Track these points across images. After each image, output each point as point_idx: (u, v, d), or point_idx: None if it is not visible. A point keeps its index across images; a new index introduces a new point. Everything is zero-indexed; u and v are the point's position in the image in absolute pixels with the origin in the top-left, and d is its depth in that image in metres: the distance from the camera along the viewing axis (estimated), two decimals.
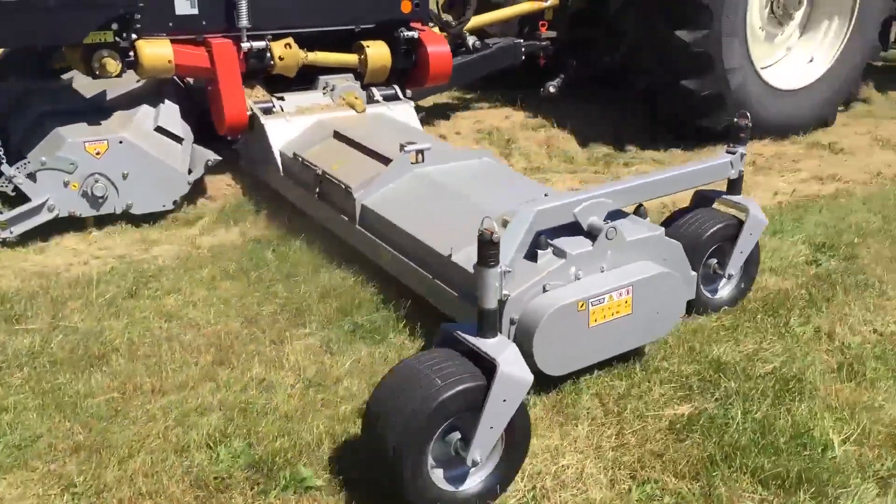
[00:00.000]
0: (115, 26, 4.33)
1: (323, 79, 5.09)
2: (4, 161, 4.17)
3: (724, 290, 3.59)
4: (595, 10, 6.17)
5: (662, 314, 3.04)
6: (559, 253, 2.86)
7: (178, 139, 4.67)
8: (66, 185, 4.28)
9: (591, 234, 2.91)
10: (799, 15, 6.10)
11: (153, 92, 4.82)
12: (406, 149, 3.89)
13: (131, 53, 4.44)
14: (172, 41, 4.52)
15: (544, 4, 6.24)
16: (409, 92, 5.29)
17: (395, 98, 5.16)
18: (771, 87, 5.89)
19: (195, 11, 4.55)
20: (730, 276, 3.55)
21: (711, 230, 3.43)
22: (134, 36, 4.42)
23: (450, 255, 3.18)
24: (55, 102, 4.66)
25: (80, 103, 4.69)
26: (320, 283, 3.82)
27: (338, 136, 4.50)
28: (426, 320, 3.42)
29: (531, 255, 2.85)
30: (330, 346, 3.33)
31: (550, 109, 6.53)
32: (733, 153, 3.47)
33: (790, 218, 4.60)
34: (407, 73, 5.34)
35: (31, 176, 4.21)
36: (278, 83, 5.01)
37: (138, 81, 4.87)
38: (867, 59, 6.35)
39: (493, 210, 2.72)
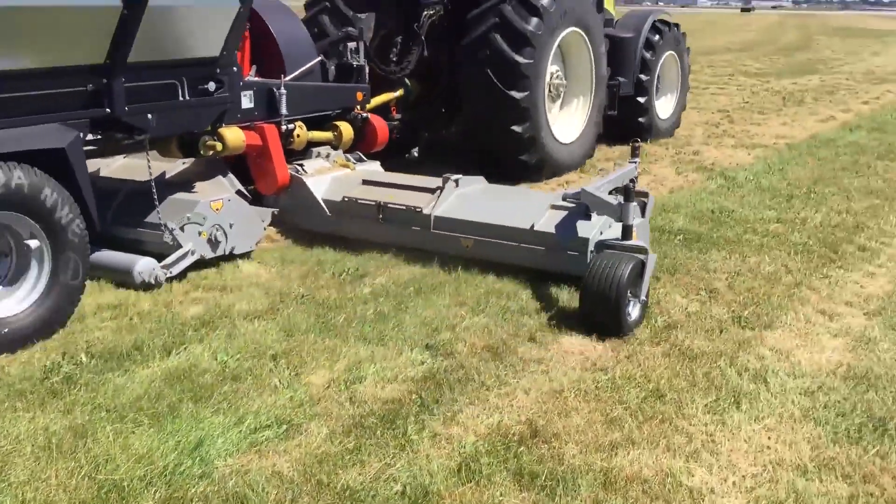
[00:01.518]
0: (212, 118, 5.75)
1: (315, 150, 6.75)
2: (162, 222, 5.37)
3: None
4: (427, 99, 8.65)
5: (644, 241, 5.12)
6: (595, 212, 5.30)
7: (248, 198, 5.98)
8: (199, 234, 5.48)
9: None
10: (562, 96, 8.88)
11: (206, 167, 6.05)
12: (451, 178, 5.93)
13: (215, 137, 5.73)
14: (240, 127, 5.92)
15: (395, 95, 8.18)
16: None
17: (362, 160, 6.96)
18: (556, 139, 8.47)
19: (252, 105, 6.05)
20: None
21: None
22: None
23: (532, 226, 5.36)
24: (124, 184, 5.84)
25: (151, 181, 5.46)
26: None
27: (367, 182, 6.32)
28: None
29: (586, 214, 5.30)
30: None
31: (421, 166, 8.16)
32: (635, 162, 6.06)
33: (393, 322, 4.77)
34: (356, 143, 7.08)
35: (182, 229, 5.38)
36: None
37: (185, 163, 6.12)
38: (599, 129, 9.32)
39: (533, 202, 5.73)
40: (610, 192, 5.39)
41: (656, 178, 8.67)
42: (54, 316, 4.48)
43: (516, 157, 8.04)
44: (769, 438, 3.55)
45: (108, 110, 4.90)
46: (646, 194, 5.76)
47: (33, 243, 4.40)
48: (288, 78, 6.39)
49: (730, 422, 3.69)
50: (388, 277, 5.49)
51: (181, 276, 5.39)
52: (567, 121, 8.90)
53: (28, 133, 4.45)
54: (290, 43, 6.77)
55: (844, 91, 17.11)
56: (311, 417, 3.66)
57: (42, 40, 4.42)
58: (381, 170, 6.90)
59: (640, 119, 10.42)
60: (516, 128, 7.89)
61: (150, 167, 5.37)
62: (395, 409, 3.74)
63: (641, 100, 10.32)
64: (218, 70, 5.60)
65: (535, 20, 7.85)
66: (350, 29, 7.45)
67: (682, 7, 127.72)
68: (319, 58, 7.02)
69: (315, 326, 4.63)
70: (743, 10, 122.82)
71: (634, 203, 4.86)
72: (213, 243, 5.58)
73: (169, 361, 4.19)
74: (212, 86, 5.57)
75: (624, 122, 10.07)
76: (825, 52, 30.69)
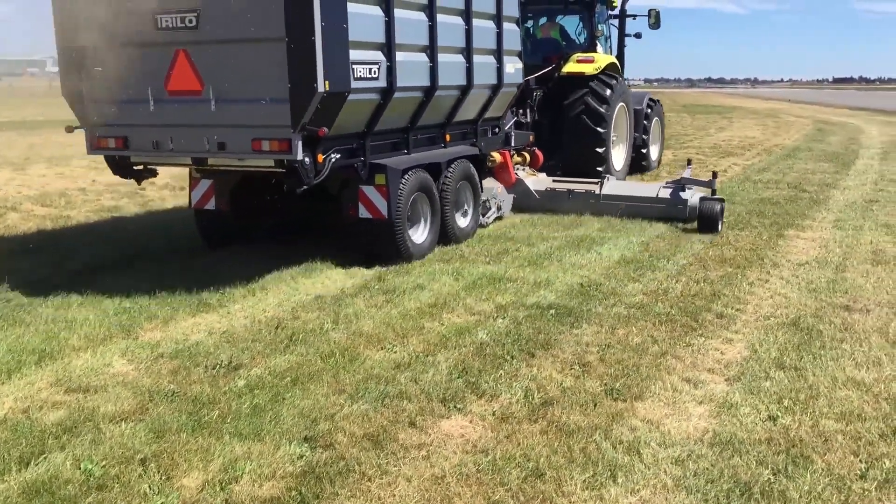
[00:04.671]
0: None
1: (516, 165, 11.75)
2: (481, 192, 10.24)
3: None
4: (537, 141, 12.69)
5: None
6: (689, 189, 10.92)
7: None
8: (494, 203, 10.58)
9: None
10: (613, 143, 13.93)
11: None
12: (605, 176, 11.59)
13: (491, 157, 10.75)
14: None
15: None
16: None
17: (537, 172, 12.16)
18: (614, 165, 13.97)
19: (501, 143, 10.96)
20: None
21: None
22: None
23: (657, 195, 10.90)
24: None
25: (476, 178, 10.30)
26: None
27: (556, 181, 11.75)
28: None
29: (683, 189, 10.86)
30: None
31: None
32: (690, 167, 11.32)
33: (267, 413, 4.65)
34: (530, 163, 12.20)
35: (491, 200, 10.55)
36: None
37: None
38: (629, 164, 15.33)
39: (650, 185, 12.29)
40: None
41: (523, 255, 8.91)
42: (475, 229, 9.90)
43: (595, 168, 13.04)
44: None
45: (474, 140, 10.13)
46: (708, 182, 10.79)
47: (468, 196, 9.76)
48: (507, 126, 11.28)
49: (607, 496, 3.77)
50: (263, 368, 5.36)
51: (46, 372, 5.10)
52: (616, 157, 14.40)
53: (463, 149, 9.69)
54: None
55: (695, 165, 18.24)
56: None
57: (465, 110, 9.59)
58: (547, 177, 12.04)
59: (643, 161, 16.21)
60: (599, 149, 13.32)
61: (475, 172, 9.93)
62: None
63: (644, 149, 16.14)
64: (499, 122, 10.86)
65: (608, 90, 13.51)
66: None
67: None
68: (514, 118, 12.20)
69: (187, 425, 4.46)
70: None
71: (718, 178, 10.78)
72: (499, 209, 10.68)
73: (27, 474, 3.92)
74: (497, 130, 10.79)
75: (635, 160, 15.79)
76: (676, 127, 32.78)
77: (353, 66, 7.21)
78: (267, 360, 5.51)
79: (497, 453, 4.17)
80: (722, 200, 10.27)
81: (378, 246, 8.28)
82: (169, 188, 13.76)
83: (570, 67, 13.59)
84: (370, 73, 7.51)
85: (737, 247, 9.18)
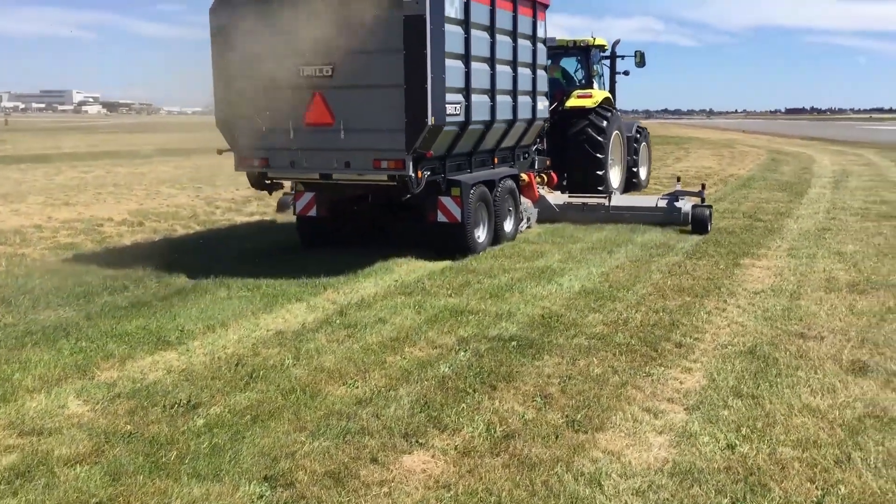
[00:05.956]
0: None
1: (538, 184, 13.90)
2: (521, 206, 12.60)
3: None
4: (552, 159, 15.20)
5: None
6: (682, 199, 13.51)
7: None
8: (525, 214, 12.71)
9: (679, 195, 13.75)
10: (611, 164, 16.62)
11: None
12: (611, 191, 15.70)
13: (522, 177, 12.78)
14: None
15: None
16: None
17: (553, 190, 14.57)
18: (612, 183, 16.61)
19: (528, 166, 13.48)
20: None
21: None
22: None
23: (656, 204, 13.57)
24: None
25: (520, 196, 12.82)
26: None
27: (571, 196, 14.44)
28: None
29: (678, 199, 13.39)
30: None
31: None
32: (678, 182, 14.34)
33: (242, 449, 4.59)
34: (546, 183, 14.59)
35: (524, 212, 12.66)
36: None
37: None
38: (623, 183, 18.15)
39: (650, 197, 14.79)
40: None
41: (484, 287, 8.94)
42: (516, 234, 12.17)
43: (596, 188, 15.52)
44: None
45: (512, 163, 12.58)
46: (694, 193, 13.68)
47: (511, 207, 12.03)
48: (533, 152, 13.80)
49: None
50: (223, 406, 5.30)
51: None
52: (613, 176, 16.94)
53: (506, 170, 12.15)
54: None
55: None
56: None
57: (509, 139, 12.24)
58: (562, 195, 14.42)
59: (634, 179, 18.52)
60: (598, 172, 15.91)
61: (516, 189, 12.29)
62: None
63: (635, 168, 18.51)
64: (529, 149, 13.43)
65: (605, 122, 16.14)
66: None
67: None
68: (537, 144, 14.13)
69: (144, 467, 4.38)
70: None
71: (706, 190, 13.66)
72: (529, 220, 12.73)
73: None
74: (528, 155, 13.33)
75: (627, 180, 18.07)
76: None
77: (447, 106, 9.76)
78: (226, 398, 5.44)
79: (459, 488, 4.16)
80: (710, 207, 13.01)
81: (452, 243, 10.58)
82: (126, 224, 13.62)
83: (573, 102, 16.15)
84: (455, 110, 10.05)
85: (694, 276, 9.32)
